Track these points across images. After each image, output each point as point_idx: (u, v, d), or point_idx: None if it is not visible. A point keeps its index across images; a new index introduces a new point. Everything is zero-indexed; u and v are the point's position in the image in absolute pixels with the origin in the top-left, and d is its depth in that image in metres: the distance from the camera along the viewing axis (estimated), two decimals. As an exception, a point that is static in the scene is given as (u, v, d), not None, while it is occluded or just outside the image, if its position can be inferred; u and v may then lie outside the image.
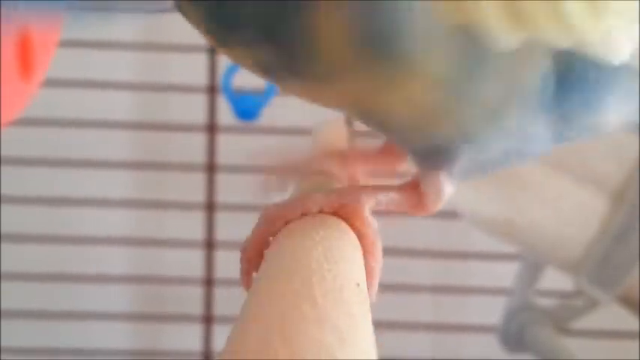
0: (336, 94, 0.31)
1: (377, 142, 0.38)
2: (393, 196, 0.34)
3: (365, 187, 0.34)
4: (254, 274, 0.33)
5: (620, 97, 0.33)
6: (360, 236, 0.32)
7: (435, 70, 0.29)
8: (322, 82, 0.31)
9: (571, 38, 0.31)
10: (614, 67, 0.32)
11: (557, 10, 0.30)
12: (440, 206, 0.34)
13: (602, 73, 0.32)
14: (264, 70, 0.32)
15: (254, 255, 0.33)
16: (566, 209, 0.66)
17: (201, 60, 0.81)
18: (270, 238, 0.32)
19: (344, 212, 0.32)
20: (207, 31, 0.31)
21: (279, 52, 0.30)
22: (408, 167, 0.38)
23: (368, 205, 0.32)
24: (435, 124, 0.31)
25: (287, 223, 0.31)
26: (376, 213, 0.33)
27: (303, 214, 0.32)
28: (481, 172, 0.35)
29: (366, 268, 0.31)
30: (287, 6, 0.29)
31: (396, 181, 0.35)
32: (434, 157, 0.33)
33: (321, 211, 0.32)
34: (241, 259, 0.33)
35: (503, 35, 0.30)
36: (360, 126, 0.71)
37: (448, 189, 0.34)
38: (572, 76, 0.32)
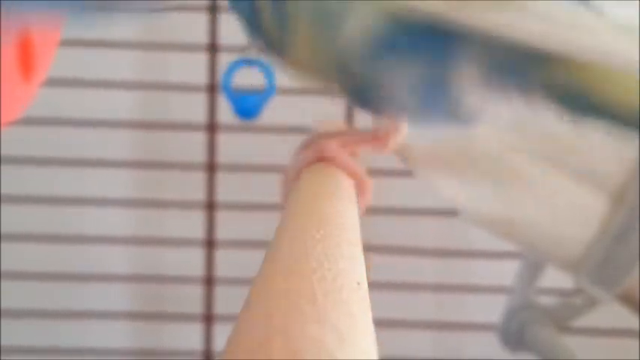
0: (295, 63, 0.39)
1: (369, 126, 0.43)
2: (356, 136, 0.42)
3: (336, 136, 0.42)
4: (254, 271, 0.34)
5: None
6: (345, 170, 0.40)
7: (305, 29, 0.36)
8: (285, 55, 0.38)
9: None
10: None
11: None
12: (393, 140, 0.41)
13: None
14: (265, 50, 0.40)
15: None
16: (566, 208, 0.66)
17: (201, 59, 0.81)
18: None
19: (325, 159, 0.41)
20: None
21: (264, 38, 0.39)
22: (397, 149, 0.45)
23: (344, 151, 0.41)
24: (335, 73, 0.38)
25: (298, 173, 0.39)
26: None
27: (298, 171, 0.40)
28: (419, 111, 0.39)
29: (358, 189, 0.39)
30: None
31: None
32: (368, 103, 0.39)
33: (308, 163, 0.40)
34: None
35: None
36: (360, 125, 0.72)
37: (402, 126, 0.41)
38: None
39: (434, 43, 0.36)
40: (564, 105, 0.37)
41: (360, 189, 0.40)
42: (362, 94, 0.39)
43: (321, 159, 0.41)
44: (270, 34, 0.38)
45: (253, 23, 0.39)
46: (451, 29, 0.35)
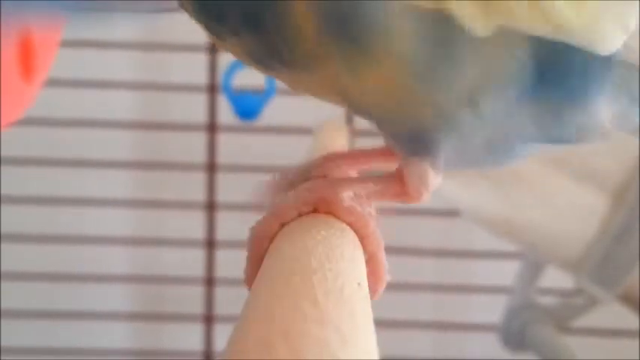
0: (316, 81, 0.31)
1: (377, 142, 0.37)
2: (372, 185, 0.33)
3: (339, 179, 0.33)
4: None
5: (614, 95, 0.32)
6: (351, 225, 0.31)
7: (405, 55, 0.29)
8: (303, 70, 0.31)
9: (548, 25, 0.30)
10: (604, 59, 0.31)
11: None
12: (425, 195, 0.33)
13: (589, 64, 0.31)
14: (255, 60, 0.32)
15: (252, 277, 0.31)
16: (566, 208, 0.66)
17: (201, 60, 0.81)
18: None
19: (324, 207, 0.31)
20: (201, 23, 0.32)
21: (263, 41, 0.30)
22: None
23: (345, 194, 0.32)
24: (409, 110, 0.31)
25: (271, 240, 0.31)
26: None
27: (283, 224, 0.31)
28: (466, 164, 0.34)
29: (367, 255, 0.31)
30: None
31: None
32: (415, 144, 0.32)
33: (300, 214, 0.31)
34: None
35: (476, 22, 0.29)
36: (360, 125, 0.72)
37: (432, 178, 0.33)
38: (555, 65, 0.30)
39: (569, 76, 0.31)
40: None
41: (371, 265, 0.31)
42: (418, 134, 0.32)
43: (324, 212, 0.32)
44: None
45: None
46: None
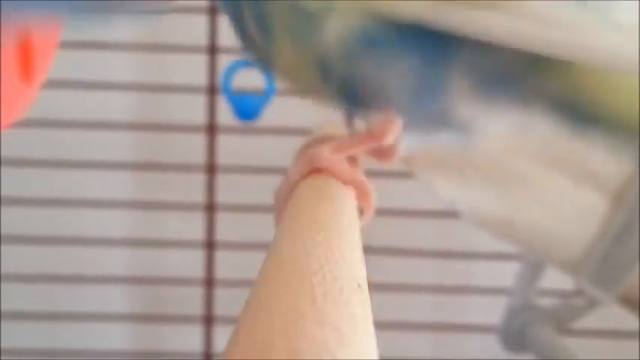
0: (281, 68, 0.38)
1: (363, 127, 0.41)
2: (350, 138, 0.40)
3: (330, 146, 0.39)
4: (254, 272, 0.34)
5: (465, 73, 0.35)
6: (347, 183, 0.37)
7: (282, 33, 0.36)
8: (272, 63, 0.38)
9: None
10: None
11: None
12: (389, 135, 0.38)
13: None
14: (255, 58, 0.39)
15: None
16: (565, 209, 0.66)
17: (201, 60, 0.81)
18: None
19: (318, 169, 0.38)
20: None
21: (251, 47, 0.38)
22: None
23: (329, 151, 0.38)
24: (322, 75, 0.36)
25: (286, 200, 0.36)
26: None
27: (292, 185, 0.37)
28: (409, 108, 0.38)
29: (360, 200, 0.37)
30: None
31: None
32: (358, 104, 0.38)
33: (303, 176, 0.38)
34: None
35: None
36: (359, 126, 0.71)
37: (395, 123, 0.38)
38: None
39: (420, 45, 0.34)
40: (563, 116, 0.35)
41: (361, 196, 0.38)
42: (349, 96, 0.37)
43: (316, 170, 0.38)
44: (253, 39, 0.37)
45: (239, 27, 0.38)
46: (439, 32, 0.33)
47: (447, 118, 0.36)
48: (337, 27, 0.34)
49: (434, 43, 0.34)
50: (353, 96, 0.37)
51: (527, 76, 0.34)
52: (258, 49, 0.38)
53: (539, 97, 0.35)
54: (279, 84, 0.73)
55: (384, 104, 0.37)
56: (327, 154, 0.38)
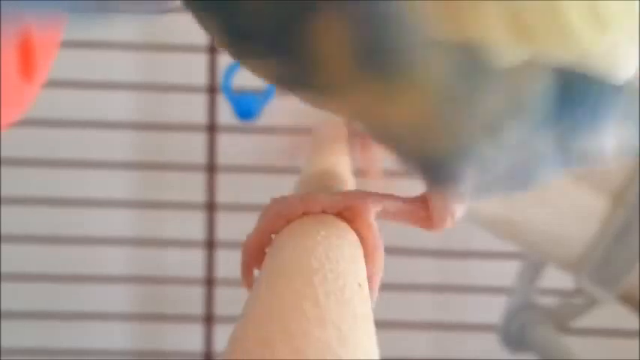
0: (340, 105, 0.32)
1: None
2: (401, 206, 0.34)
3: (373, 193, 0.33)
4: (255, 272, 0.34)
5: (622, 118, 0.33)
6: (362, 240, 0.31)
7: (431, 84, 0.29)
8: (328, 96, 0.31)
9: (574, 52, 0.30)
10: (616, 84, 0.31)
11: (559, 23, 0.29)
12: (449, 225, 0.34)
13: (604, 89, 0.31)
14: (276, 81, 0.32)
15: (255, 252, 0.32)
16: (566, 208, 0.66)
17: (201, 60, 0.81)
18: (272, 236, 0.32)
19: (348, 214, 0.32)
20: (223, 42, 0.32)
21: (285, 63, 0.30)
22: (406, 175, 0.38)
23: (374, 210, 0.32)
24: (434, 138, 0.31)
25: (289, 221, 0.31)
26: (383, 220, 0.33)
27: (305, 214, 0.31)
28: (491, 192, 0.34)
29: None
30: (291, 17, 0.29)
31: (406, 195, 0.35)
32: (438, 174, 0.32)
33: (323, 212, 0.31)
34: (242, 255, 0.33)
35: (505, 50, 0.29)
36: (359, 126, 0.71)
37: (458, 208, 0.33)
38: (575, 92, 0.31)
39: (587, 102, 0.31)
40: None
41: (367, 253, 0.32)
42: (445, 163, 0.32)
43: (346, 220, 0.32)
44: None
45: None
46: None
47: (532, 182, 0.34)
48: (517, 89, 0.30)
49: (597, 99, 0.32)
50: (450, 165, 0.32)
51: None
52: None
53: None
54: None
55: (496, 182, 0.33)
56: (372, 219, 0.32)
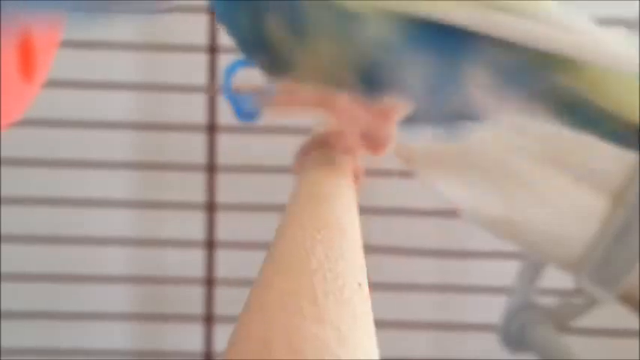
0: (309, 72, 0.39)
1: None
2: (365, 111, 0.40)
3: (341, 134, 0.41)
4: (254, 271, 0.34)
5: (481, 65, 0.37)
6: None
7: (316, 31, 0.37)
8: (296, 68, 0.40)
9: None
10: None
11: None
12: (399, 115, 0.39)
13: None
14: (272, 74, 0.42)
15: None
16: (566, 208, 0.66)
17: (201, 60, 0.81)
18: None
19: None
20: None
21: (267, 55, 0.41)
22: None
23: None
24: (354, 71, 0.38)
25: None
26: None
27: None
28: (428, 119, 0.40)
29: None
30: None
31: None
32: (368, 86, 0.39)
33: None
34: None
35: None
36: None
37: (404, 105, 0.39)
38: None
39: (447, 42, 0.37)
40: (564, 114, 0.38)
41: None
42: (375, 87, 0.39)
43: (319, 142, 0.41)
44: (269, 40, 0.39)
45: (249, 29, 0.41)
46: (462, 29, 0.36)
47: (459, 108, 0.38)
48: (373, 27, 0.36)
49: (456, 39, 0.37)
50: (379, 87, 0.38)
51: (538, 71, 0.37)
52: (275, 50, 0.40)
53: (547, 92, 0.37)
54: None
55: (408, 93, 0.39)
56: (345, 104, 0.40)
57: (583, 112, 0.37)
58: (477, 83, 0.38)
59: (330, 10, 0.37)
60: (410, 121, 0.40)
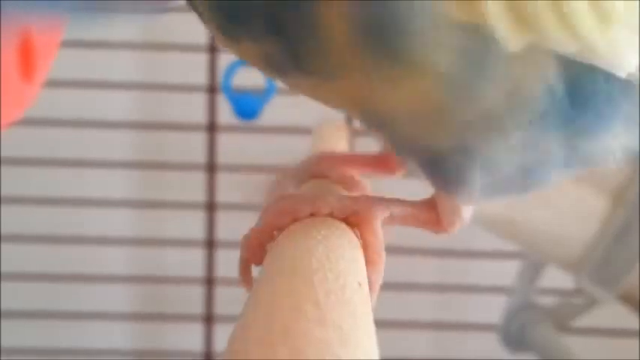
0: (338, 90, 0.30)
1: (377, 147, 0.37)
2: (409, 210, 0.33)
3: (381, 199, 0.33)
4: (254, 271, 0.33)
5: (626, 117, 0.32)
6: (366, 246, 0.31)
7: (437, 68, 0.28)
8: (325, 78, 0.30)
9: (577, 43, 0.29)
10: (621, 81, 0.31)
11: (562, 12, 0.29)
12: (458, 226, 0.34)
13: (611, 85, 0.31)
14: (269, 65, 0.31)
15: (256, 246, 0.32)
16: (566, 208, 0.66)
17: (201, 60, 0.81)
18: (275, 232, 0.31)
19: (355, 219, 0.31)
20: (215, 24, 0.31)
21: (284, 45, 0.29)
22: (405, 176, 0.37)
23: (381, 216, 0.32)
24: (436, 129, 0.30)
25: (294, 220, 0.31)
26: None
27: (313, 215, 0.31)
28: (500, 193, 0.33)
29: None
30: None
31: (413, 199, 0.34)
32: (443, 171, 0.32)
33: (330, 215, 0.31)
34: (242, 251, 0.33)
35: (509, 36, 0.28)
36: (359, 125, 0.71)
37: (466, 209, 0.33)
38: (581, 86, 0.30)
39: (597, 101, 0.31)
40: None
41: (369, 260, 0.32)
42: (454, 163, 0.31)
43: (351, 224, 0.32)
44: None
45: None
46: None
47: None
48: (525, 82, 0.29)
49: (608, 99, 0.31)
50: (457, 165, 0.31)
51: None
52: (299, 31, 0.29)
53: None
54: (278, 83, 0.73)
55: (502, 182, 0.32)
56: (379, 226, 0.32)
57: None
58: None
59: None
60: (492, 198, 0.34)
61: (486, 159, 0.30)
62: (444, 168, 0.31)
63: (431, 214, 0.33)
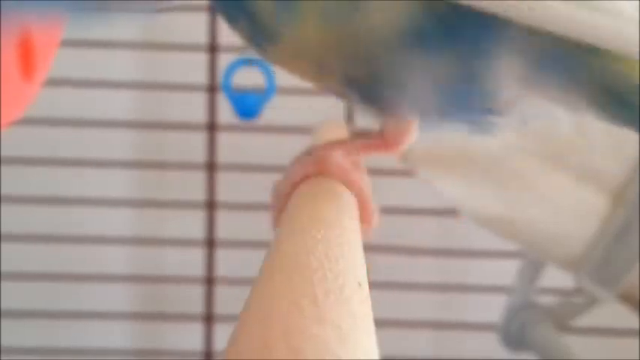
0: (294, 49, 0.34)
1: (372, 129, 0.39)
2: (361, 142, 0.38)
3: (331, 143, 0.37)
4: (254, 270, 0.34)
5: (515, 58, 0.33)
6: (347, 185, 0.36)
7: (321, 11, 0.33)
8: (280, 42, 0.34)
9: None
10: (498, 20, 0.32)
11: None
12: (405, 143, 0.37)
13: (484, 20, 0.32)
14: (252, 44, 0.36)
15: (287, 196, 0.36)
16: (566, 208, 0.66)
17: (201, 59, 0.81)
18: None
19: (321, 168, 0.36)
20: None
21: (249, 21, 0.34)
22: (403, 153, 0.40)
23: (335, 153, 0.37)
24: (349, 60, 0.34)
25: (287, 198, 0.35)
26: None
27: (294, 185, 0.36)
28: (436, 115, 0.36)
29: (360, 211, 0.35)
30: None
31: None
32: (372, 98, 0.35)
33: (306, 175, 0.36)
34: (273, 200, 0.38)
35: None
36: (360, 124, 0.71)
37: (409, 127, 0.37)
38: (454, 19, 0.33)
39: (471, 31, 0.33)
40: (599, 100, 0.34)
41: (362, 210, 0.36)
42: (374, 88, 0.34)
43: (322, 171, 0.36)
44: (258, 17, 0.34)
45: (239, 10, 0.35)
46: (485, 16, 0.32)
47: (485, 106, 0.35)
48: (384, 14, 0.32)
49: (481, 28, 0.33)
50: (379, 88, 0.34)
51: (575, 56, 0.33)
52: (259, 17, 0.34)
53: (583, 77, 0.34)
54: (280, 82, 0.73)
55: (416, 100, 0.35)
56: (337, 159, 0.36)
57: (618, 96, 0.33)
58: (505, 74, 0.33)
59: None
60: (428, 116, 0.36)
61: (395, 81, 0.34)
62: (371, 95, 0.35)
63: (380, 139, 0.37)
